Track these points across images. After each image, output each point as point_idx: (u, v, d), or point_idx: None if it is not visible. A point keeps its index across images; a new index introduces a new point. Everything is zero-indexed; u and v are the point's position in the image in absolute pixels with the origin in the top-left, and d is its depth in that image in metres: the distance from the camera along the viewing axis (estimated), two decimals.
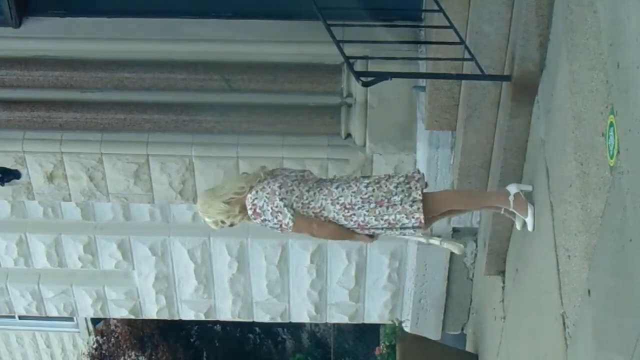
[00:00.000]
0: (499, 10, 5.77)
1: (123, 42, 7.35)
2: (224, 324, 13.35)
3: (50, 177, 7.66)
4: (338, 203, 5.43)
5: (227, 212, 5.50)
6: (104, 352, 12.49)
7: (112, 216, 8.21)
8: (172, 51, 7.33)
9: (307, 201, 5.44)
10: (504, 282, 6.55)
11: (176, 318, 9.14)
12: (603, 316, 4.30)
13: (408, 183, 5.45)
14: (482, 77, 5.74)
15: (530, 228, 5.69)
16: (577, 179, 4.68)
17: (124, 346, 12.53)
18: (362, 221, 5.45)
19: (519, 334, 6.20)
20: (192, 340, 13.69)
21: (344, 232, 5.55)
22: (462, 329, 8.72)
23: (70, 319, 11.80)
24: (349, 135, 7.50)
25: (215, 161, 7.54)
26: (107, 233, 8.34)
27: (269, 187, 5.40)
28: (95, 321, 12.29)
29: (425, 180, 5.56)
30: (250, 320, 9.16)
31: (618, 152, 3.99)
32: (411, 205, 5.40)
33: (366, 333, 13.30)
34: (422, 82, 6.97)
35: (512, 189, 5.72)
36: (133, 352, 12.63)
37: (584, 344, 4.58)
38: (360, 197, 5.42)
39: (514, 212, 5.75)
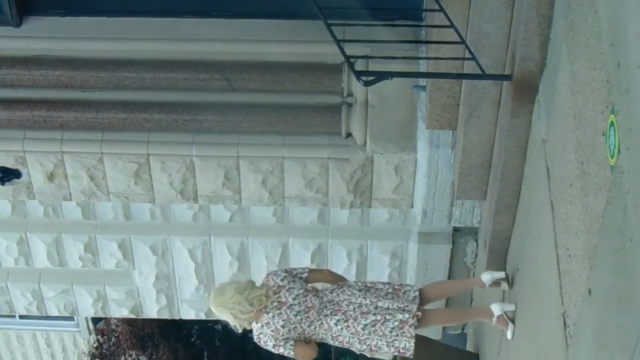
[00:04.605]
0: (499, 9, 5.76)
1: (124, 41, 7.35)
2: (225, 323, 13.32)
3: (51, 177, 7.66)
4: (337, 340, 6.02)
5: (237, 318, 6.10)
6: (104, 351, 12.49)
7: (112, 216, 8.22)
8: (172, 51, 7.33)
9: (308, 335, 6.01)
10: None
11: (177, 317, 9.14)
12: (604, 316, 4.29)
13: (402, 328, 5.94)
14: (483, 76, 5.74)
15: (509, 337, 6.28)
16: (577, 178, 4.68)
17: (125, 345, 12.53)
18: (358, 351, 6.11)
19: (519, 333, 6.20)
20: (192, 339, 13.68)
21: None
22: (463, 329, 8.72)
23: (70, 318, 11.79)
24: (349, 135, 7.50)
25: (216, 160, 7.54)
26: (107, 232, 8.35)
27: (274, 324, 5.94)
28: (95, 320, 12.29)
29: (419, 319, 6.04)
30: None
31: (619, 151, 3.99)
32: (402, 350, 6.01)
33: None
34: (422, 81, 6.97)
35: (496, 310, 6.28)
36: (134, 352, 12.63)
37: (584, 343, 4.58)
38: (358, 339, 5.98)
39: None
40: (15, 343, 13.01)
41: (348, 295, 6.07)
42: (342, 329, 5.95)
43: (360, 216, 8.08)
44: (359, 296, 6.05)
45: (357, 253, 8.22)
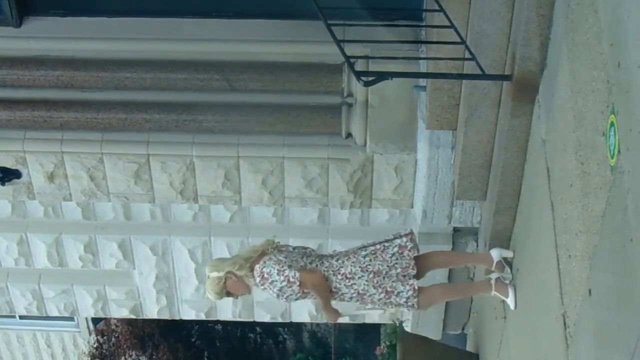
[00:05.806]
0: (499, 9, 5.77)
1: (124, 41, 7.35)
2: (224, 323, 13.35)
3: (51, 177, 7.66)
4: (339, 273, 6.05)
5: (239, 264, 6.03)
6: (104, 351, 12.49)
7: (112, 216, 8.22)
8: (172, 51, 7.33)
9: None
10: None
11: (177, 318, 9.14)
12: (604, 316, 4.30)
13: (402, 253, 6.10)
14: (483, 76, 5.74)
15: (512, 307, 6.29)
16: (577, 178, 4.68)
17: (125, 346, 12.53)
18: (362, 289, 6.06)
19: (519, 333, 6.20)
20: (192, 340, 13.70)
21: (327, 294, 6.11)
22: (463, 329, 8.72)
23: (71, 318, 11.79)
24: (349, 135, 7.50)
25: (216, 161, 7.54)
26: (107, 233, 8.35)
27: (275, 257, 6.01)
28: (95, 321, 12.29)
29: (417, 243, 6.23)
30: (251, 319, 9.17)
31: (619, 151, 3.99)
32: (407, 290, 6.08)
33: (367, 333, 13.30)
34: (422, 81, 6.97)
35: (495, 255, 6.41)
36: (134, 352, 12.63)
37: (584, 343, 4.58)
38: (360, 267, 6.05)
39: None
40: (15, 343, 13.01)
41: (345, 249, 6.34)
42: (343, 261, 6.09)
43: (360, 216, 8.08)
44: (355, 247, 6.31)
45: None
